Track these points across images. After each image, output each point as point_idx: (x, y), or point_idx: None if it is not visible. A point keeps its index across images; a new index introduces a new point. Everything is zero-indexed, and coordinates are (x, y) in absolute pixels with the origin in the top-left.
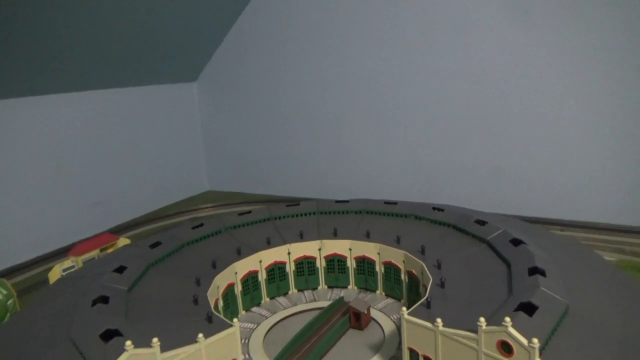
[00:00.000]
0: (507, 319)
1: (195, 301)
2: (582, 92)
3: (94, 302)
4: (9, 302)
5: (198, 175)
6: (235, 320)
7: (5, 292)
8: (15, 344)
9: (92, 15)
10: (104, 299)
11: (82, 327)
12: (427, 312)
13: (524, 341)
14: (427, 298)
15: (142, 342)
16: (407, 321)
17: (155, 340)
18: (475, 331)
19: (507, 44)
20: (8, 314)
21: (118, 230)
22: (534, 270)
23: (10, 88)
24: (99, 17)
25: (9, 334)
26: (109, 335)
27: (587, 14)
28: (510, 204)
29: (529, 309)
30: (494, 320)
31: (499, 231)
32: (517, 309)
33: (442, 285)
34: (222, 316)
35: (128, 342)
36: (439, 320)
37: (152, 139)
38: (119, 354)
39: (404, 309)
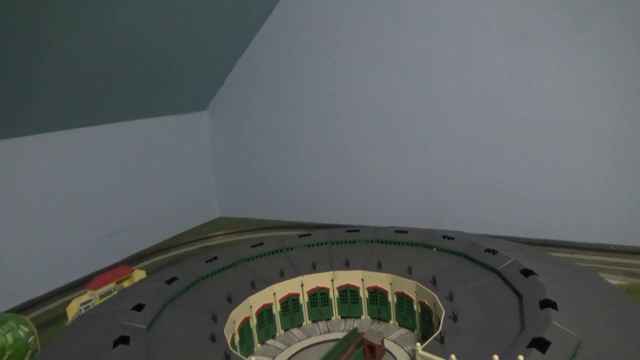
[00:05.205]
0: (521, 357)
1: (213, 339)
2: (590, 114)
3: (115, 343)
4: (29, 340)
5: (209, 202)
6: (253, 359)
7: (26, 329)
8: None
9: (103, 51)
10: (125, 340)
11: None
12: (441, 346)
13: None
14: (440, 332)
15: None
16: (422, 357)
17: None
18: None
19: (515, 68)
20: (29, 352)
21: (131, 261)
22: (545, 303)
23: (24, 126)
24: (110, 53)
25: None
26: None
27: (591, 32)
28: (520, 226)
29: (541, 344)
30: (507, 356)
31: (509, 261)
32: (529, 345)
33: (454, 318)
34: (238, 352)
35: None
36: (453, 356)
37: (163, 168)
38: None
39: (419, 344)
